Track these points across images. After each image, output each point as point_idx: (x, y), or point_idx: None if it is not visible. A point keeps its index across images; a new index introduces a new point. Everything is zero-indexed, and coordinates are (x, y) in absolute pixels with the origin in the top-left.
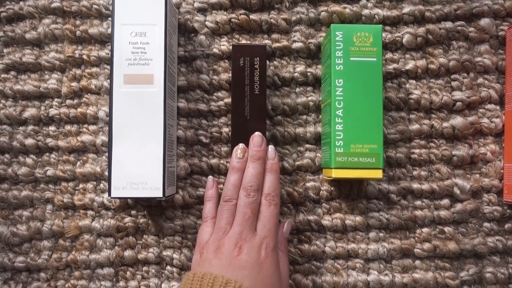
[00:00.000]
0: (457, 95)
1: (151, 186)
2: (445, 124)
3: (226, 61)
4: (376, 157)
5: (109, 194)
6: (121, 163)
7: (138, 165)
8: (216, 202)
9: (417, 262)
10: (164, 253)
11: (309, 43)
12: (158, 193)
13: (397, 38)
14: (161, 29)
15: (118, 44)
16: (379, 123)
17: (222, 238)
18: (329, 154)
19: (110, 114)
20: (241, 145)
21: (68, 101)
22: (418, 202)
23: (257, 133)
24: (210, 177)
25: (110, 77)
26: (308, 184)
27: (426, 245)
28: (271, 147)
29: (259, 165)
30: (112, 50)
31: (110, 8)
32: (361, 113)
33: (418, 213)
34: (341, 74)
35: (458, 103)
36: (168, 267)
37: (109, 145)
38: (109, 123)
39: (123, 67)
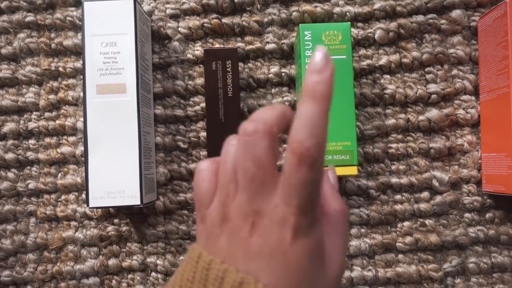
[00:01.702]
0: (432, 87)
1: (129, 194)
2: (421, 117)
3: (201, 65)
4: (350, 154)
5: (87, 205)
6: (98, 173)
7: (115, 174)
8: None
9: (400, 256)
10: (148, 259)
11: (282, 43)
12: (136, 201)
13: (369, 34)
14: (131, 38)
15: (89, 55)
16: (352, 120)
17: (228, 205)
18: None
19: (84, 125)
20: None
21: (47, 114)
22: (398, 196)
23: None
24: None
25: (83, 88)
26: None
27: (408, 239)
28: (320, 50)
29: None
30: (83, 61)
31: None
32: (333, 111)
33: (398, 207)
34: None
35: (433, 96)
36: (153, 274)
37: (85, 155)
38: (84, 134)
39: (95, 78)
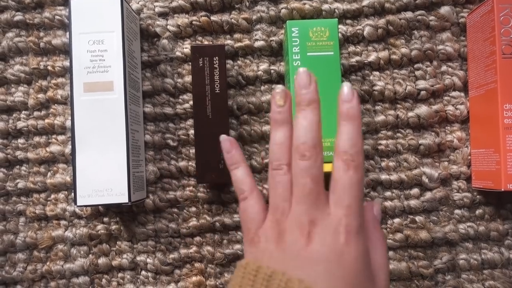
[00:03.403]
0: (421, 84)
1: (116, 192)
2: (410, 114)
3: (190, 63)
4: None
5: (75, 203)
6: (86, 171)
7: (103, 172)
8: (247, 167)
9: (390, 253)
10: (138, 258)
11: (271, 41)
12: (124, 199)
13: (358, 31)
14: (118, 36)
15: (76, 53)
16: None
17: (282, 221)
18: None
19: (72, 123)
20: (279, 87)
21: (36, 113)
22: (388, 193)
23: (301, 69)
24: (223, 136)
25: (70, 86)
26: None
27: (398, 236)
28: (346, 85)
29: (312, 111)
30: (70, 60)
31: None
32: (321, 107)
33: (388, 204)
34: None
35: (423, 92)
36: (143, 272)
37: (72, 154)
38: (72, 132)
39: (82, 76)
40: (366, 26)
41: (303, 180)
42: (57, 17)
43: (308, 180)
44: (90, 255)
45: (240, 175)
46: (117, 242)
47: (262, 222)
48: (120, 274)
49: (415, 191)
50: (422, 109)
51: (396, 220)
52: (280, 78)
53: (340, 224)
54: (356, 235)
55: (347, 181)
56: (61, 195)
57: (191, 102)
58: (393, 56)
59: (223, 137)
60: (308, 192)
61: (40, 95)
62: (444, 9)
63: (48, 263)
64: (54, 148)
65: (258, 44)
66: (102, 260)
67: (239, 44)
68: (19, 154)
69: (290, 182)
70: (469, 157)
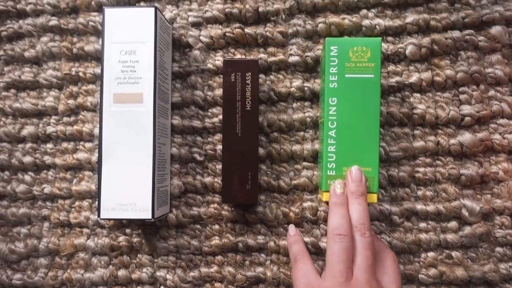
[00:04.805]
0: (466, 109)
1: (140, 208)
2: (452, 141)
3: (221, 76)
4: (371, 180)
5: (98, 215)
6: (111, 183)
7: (128, 186)
8: (304, 243)
9: None
10: (158, 273)
11: (306, 56)
12: (147, 215)
13: (400, 49)
14: (150, 47)
15: (107, 63)
16: (375, 145)
17: (344, 286)
18: (321, 176)
19: (100, 134)
20: (339, 180)
21: (65, 119)
22: (423, 225)
23: (355, 167)
24: (292, 225)
25: (100, 96)
26: (305, 204)
27: (432, 271)
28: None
29: (364, 201)
30: (102, 69)
31: None
32: (356, 134)
33: (423, 236)
34: (335, 92)
35: (467, 118)
36: None
37: (98, 165)
38: (99, 143)
39: (112, 86)
40: (408, 45)
41: (368, 253)
42: (91, 23)
43: (370, 254)
44: (111, 266)
45: (298, 246)
46: (138, 255)
47: (316, 280)
48: None
49: (453, 224)
50: (466, 137)
51: (431, 254)
52: (314, 96)
53: None
54: None
55: (396, 266)
56: (85, 203)
57: (220, 116)
58: (437, 78)
59: (291, 226)
60: (371, 264)
61: (70, 101)
62: (496, 29)
63: (68, 271)
64: (81, 155)
65: (293, 59)
66: (122, 272)
67: (272, 58)
68: (47, 159)
69: (350, 251)
70: None
